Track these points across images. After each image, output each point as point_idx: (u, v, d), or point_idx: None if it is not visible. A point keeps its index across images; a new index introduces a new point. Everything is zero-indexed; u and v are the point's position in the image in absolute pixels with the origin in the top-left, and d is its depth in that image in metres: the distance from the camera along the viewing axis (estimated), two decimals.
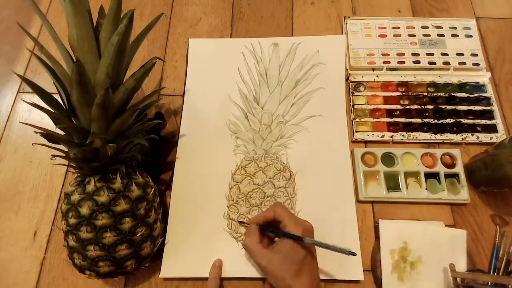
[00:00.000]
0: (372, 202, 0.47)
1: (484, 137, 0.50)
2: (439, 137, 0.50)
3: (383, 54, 0.56)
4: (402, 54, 0.56)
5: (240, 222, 0.45)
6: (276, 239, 0.40)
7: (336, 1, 0.61)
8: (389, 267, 0.42)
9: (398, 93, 0.54)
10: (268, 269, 0.36)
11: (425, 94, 0.53)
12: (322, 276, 0.42)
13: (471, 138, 0.50)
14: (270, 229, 0.40)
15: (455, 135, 0.50)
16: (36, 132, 0.35)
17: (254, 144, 0.50)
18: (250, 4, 0.61)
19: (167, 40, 0.59)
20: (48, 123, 0.38)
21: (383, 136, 0.51)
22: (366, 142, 0.51)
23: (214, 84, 0.54)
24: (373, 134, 0.51)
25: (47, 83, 0.44)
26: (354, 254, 0.33)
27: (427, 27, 0.58)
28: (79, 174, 0.39)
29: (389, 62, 0.55)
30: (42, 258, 0.45)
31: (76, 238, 0.36)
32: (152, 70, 0.39)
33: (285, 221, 0.37)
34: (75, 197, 0.36)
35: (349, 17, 0.59)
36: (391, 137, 0.50)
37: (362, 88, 0.54)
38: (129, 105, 0.40)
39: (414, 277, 0.41)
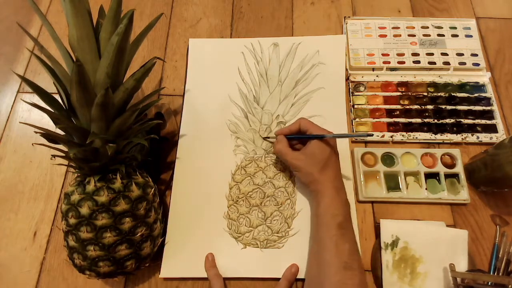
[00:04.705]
0: (372, 202, 0.47)
1: (484, 137, 0.50)
2: (439, 137, 0.50)
3: (383, 54, 0.56)
4: (402, 54, 0.56)
5: (265, 138, 0.49)
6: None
7: (336, 1, 0.61)
8: (390, 267, 0.42)
9: (398, 93, 0.53)
10: (298, 166, 0.42)
11: (425, 94, 0.53)
12: None
13: (471, 138, 0.50)
14: (295, 137, 0.45)
15: (455, 135, 0.50)
16: (36, 132, 0.35)
17: (254, 144, 0.50)
18: (250, 4, 0.61)
19: (167, 40, 0.59)
20: (48, 123, 0.38)
21: (383, 136, 0.50)
22: (366, 142, 0.51)
23: (214, 84, 0.54)
24: (373, 134, 0.51)
25: (47, 83, 0.44)
26: (371, 135, 0.39)
27: (427, 27, 0.58)
28: (79, 174, 0.39)
29: (389, 62, 0.55)
30: (42, 258, 0.45)
31: (76, 238, 0.36)
32: (152, 70, 0.39)
33: (310, 129, 0.43)
34: (75, 197, 0.36)
35: (349, 17, 0.59)
36: (391, 137, 0.50)
37: (362, 88, 0.54)
38: (129, 105, 0.40)
39: (415, 277, 0.41)
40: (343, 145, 0.49)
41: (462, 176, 0.47)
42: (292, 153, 0.43)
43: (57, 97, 0.37)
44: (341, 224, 0.38)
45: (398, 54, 0.56)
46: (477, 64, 0.55)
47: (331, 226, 0.38)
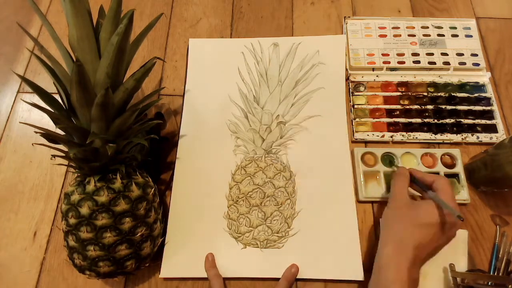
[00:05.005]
0: (372, 202, 0.47)
1: (484, 137, 0.50)
2: (439, 137, 0.50)
3: (383, 54, 0.56)
4: (402, 54, 0.56)
5: (396, 166, 0.47)
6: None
7: (336, 1, 0.61)
8: None
9: (398, 93, 0.53)
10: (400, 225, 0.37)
11: (425, 94, 0.53)
12: (322, 276, 0.42)
13: (471, 138, 0.50)
14: (419, 183, 0.41)
15: (455, 135, 0.50)
16: (36, 132, 0.35)
17: (254, 144, 0.50)
18: (250, 4, 0.61)
19: (167, 40, 0.59)
20: (48, 123, 0.38)
21: (383, 136, 0.50)
22: (366, 142, 0.51)
23: (214, 84, 0.54)
24: (373, 134, 0.51)
25: (47, 83, 0.44)
26: (462, 219, 0.34)
27: (427, 27, 0.58)
28: (79, 174, 0.39)
29: (389, 62, 0.55)
30: (42, 258, 0.45)
31: (76, 238, 0.36)
32: (152, 70, 0.39)
33: (441, 193, 0.37)
34: (75, 197, 0.36)
35: (349, 17, 0.59)
36: (391, 137, 0.50)
37: (362, 88, 0.54)
38: (129, 105, 0.40)
39: None
40: (343, 145, 0.49)
41: (462, 176, 0.47)
42: (407, 198, 0.38)
43: (57, 97, 0.37)
44: None
45: (398, 54, 0.56)
46: (477, 64, 0.55)
47: None
